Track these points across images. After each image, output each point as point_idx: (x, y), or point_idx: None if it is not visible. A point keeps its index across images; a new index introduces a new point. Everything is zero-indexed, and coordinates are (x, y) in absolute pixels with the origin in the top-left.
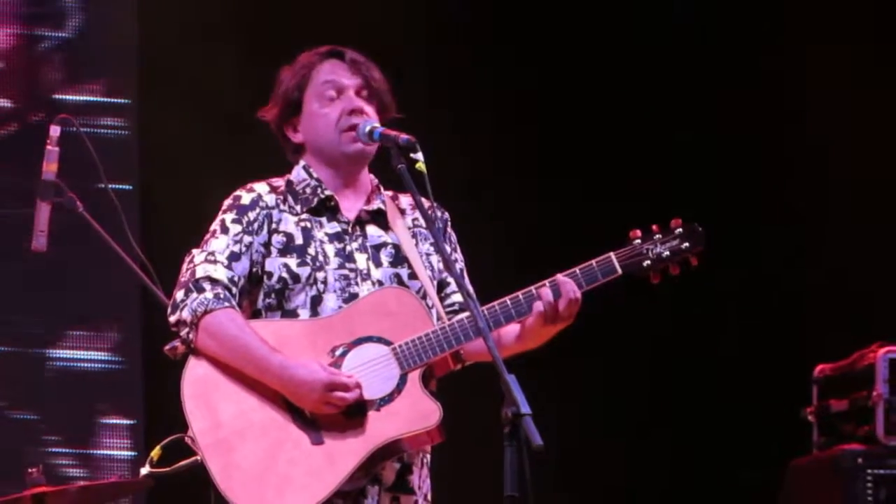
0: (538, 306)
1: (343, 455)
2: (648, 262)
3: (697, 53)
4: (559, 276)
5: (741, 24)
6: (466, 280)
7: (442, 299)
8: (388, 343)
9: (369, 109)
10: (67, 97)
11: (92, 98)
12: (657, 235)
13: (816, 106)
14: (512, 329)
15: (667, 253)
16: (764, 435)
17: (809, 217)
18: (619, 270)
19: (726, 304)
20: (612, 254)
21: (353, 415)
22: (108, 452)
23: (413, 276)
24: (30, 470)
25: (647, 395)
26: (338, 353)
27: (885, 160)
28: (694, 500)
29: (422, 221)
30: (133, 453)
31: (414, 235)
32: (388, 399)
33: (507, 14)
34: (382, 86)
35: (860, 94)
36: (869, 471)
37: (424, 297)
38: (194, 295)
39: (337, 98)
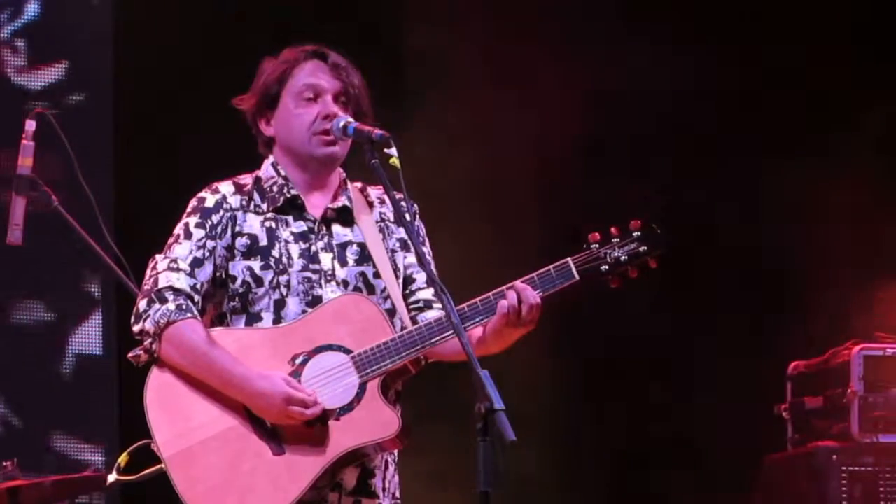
0: (503, 307)
1: (304, 465)
2: (606, 266)
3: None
4: (517, 283)
5: None
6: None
7: (407, 296)
8: (347, 351)
9: (344, 115)
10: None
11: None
12: (615, 239)
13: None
14: (472, 333)
15: (625, 257)
16: (739, 431)
17: (790, 214)
18: (577, 276)
19: (701, 299)
20: (569, 259)
21: (313, 425)
22: (83, 447)
23: (378, 274)
24: (4, 463)
25: (621, 391)
26: (298, 361)
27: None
28: (669, 498)
29: (390, 215)
30: (107, 449)
31: (381, 230)
32: (348, 408)
33: None
34: (361, 91)
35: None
36: (844, 468)
37: (388, 296)
38: (157, 306)
39: (314, 100)
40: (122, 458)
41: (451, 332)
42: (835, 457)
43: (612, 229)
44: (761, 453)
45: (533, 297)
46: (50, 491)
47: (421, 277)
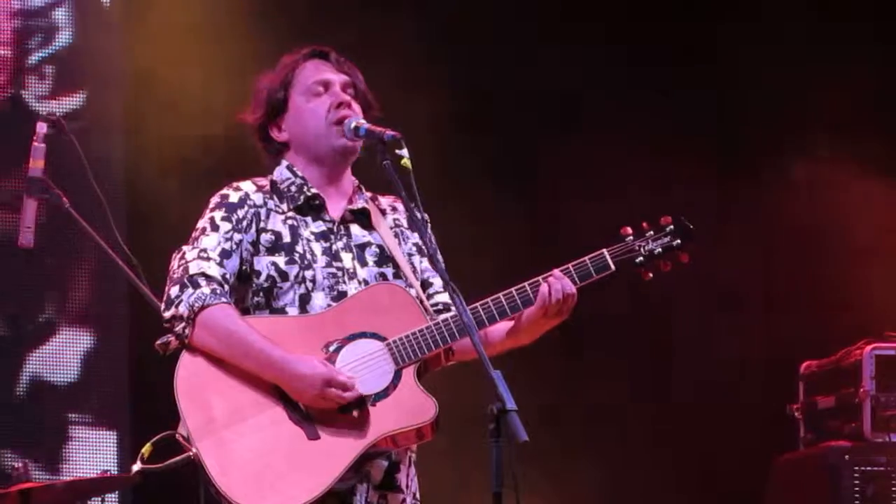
0: (543, 295)
1: (339, 450)
2: (641, 258)
3: None
4: (555, 272)
5: None
6: None
7: (425, 300)
8: (381, 339)
9: (356, 106)
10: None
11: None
12: (649, 232)
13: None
14: (502, 326)
15: (659, 250)
16: (750, 431)
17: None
18: (613, 267)
19: (713, 299)
20: (605, 250)
21: (348, 410)
22: (94, 448)
23: (398, 275)
24: (16, 466)
25: (632, 390)
26: (331, 348)
27: None
28: (680, 498)
29: (403, 221)
30: (119, 449)
31: (396, 235)
32: (384, 394)
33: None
34: (365, 86)
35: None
36: (856, 467)
37: None
38: (190, 290)
39: (324, 93)
40: (146, 449)
41: (485, 324)
42: (847, 456)
43: (643, 224)
44: (773, 453)
45: (570, 286)
46: (62, 493)
47: (437, 282)
